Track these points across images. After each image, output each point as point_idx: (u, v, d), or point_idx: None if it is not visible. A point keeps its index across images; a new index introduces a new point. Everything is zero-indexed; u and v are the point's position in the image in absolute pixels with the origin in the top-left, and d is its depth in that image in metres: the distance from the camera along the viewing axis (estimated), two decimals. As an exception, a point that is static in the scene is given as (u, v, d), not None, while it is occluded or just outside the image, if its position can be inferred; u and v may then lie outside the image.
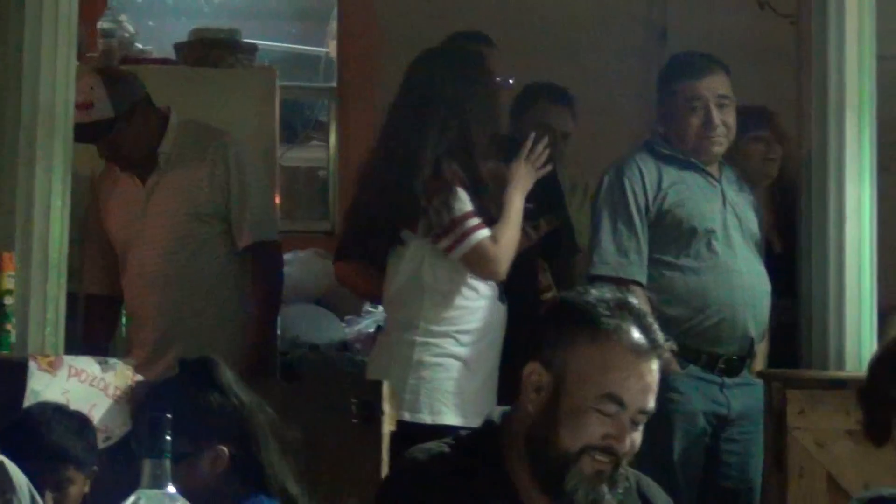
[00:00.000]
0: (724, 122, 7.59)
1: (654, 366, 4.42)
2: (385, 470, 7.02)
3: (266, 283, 8.68)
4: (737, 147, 8.15)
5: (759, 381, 7.48)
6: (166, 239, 8.52)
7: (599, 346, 4.39)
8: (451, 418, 6.95)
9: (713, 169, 7.66)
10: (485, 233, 7.14)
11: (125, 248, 8.66)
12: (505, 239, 7.27)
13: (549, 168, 7.41)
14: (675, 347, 4.75)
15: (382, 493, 4.91)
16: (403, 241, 7.25)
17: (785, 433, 7.18)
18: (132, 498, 3.95)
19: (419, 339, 7.12)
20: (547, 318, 4.77)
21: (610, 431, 4.32)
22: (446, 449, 4.58)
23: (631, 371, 4.38)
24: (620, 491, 4.31)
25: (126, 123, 8.18)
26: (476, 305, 7.23)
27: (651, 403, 4.41)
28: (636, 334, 4.40)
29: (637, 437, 4.39)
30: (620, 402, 4.32)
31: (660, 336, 4.46)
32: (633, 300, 4.57)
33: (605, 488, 4.28)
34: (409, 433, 6.71)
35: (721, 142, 7.62)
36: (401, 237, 7.23)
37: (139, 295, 8.63)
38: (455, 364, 7.09)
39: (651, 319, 4.50)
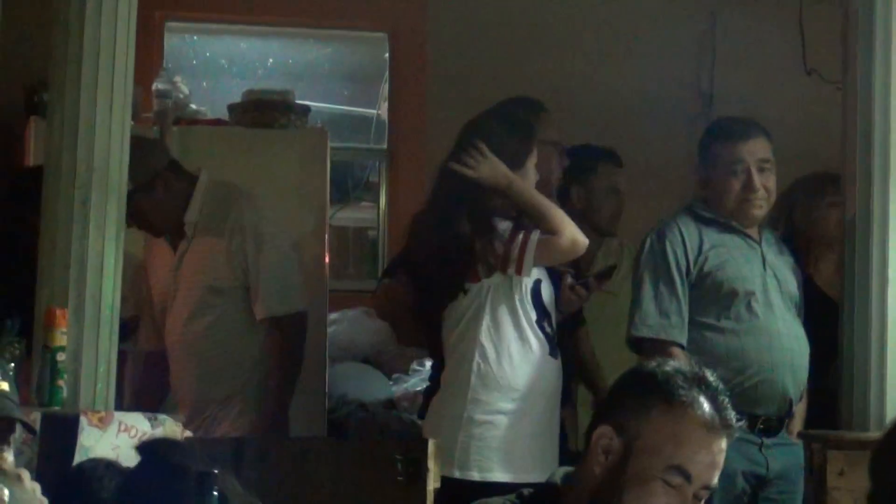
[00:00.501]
0: (765, 186, 7.56)
1: (724, 444, 4.46)
2: None
3: (281, 357, 8.65)
4: (810, 213, 8.21)
5: (798, 442, 7.51)
6: (188, 308, 8.65)
7: (673, 418, 4.43)
8: (499, 475, 6.92)
9: (753, 232, 7.65)
10: (537, 233, 7.20)
11: (162, 313, 8.76)
12: (557, 218, 7.31)
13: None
14: (745, 426, 4.81)
15: None
16: (466, 290, 7.23)
17: (825, 494, 7.18)
18: None
19: (470, 395, 7.12)
20: (623, 384, 4.78)
21: (672, 503, 4.40)
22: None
23: (701, 446, 4.42)
24: None
25: (146, 193, 8.20)
26: (527, 360, 7.20)
27: (715, 480, 4.44)
28: (710, 410, 4.42)
29: None
30: (687, 476, 4.36)
31: (732, 414, 4.48)
32: (710, 376, 4.56)
33: None
34: (457, 491, 6.77)
35: (761, 205, 7.61)
36: (464, 287, 7.22)
37: (175, 359, 8.68)
38: (504, 420, 7.06)
39: (725, 396, 4.50)
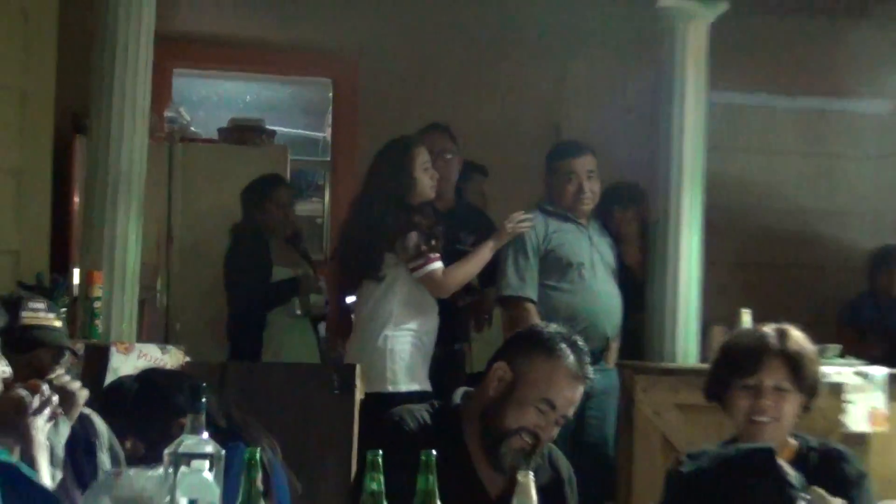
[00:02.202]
0: (592, 189, 7.63)
1: (581, 390, 4.61)
2: (356, 426, 7.04)
3: None
4: (611, 212, 8.22)
5: (613, 368, 7.67)
6: None
7: (550, 365, 4.56)
8: (407, 385, 6.96)
9: (584, 221, 7.71)
10: (439, 265, 7.11)
11: None
12: (456, 274, 7.26)
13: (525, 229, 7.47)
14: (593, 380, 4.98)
15: (375, 432, 5.06)
16: (384, 261, 7.14)
17: (633, 405, 7.32)
18: (177, 440, 4.14)
19: (392, 334, 7.07)
20: (520, 335, 4.98)
21: (539, 423, 4.50)
22: (425, 414, 4.72)
23: (566, 388, 4.55)
24: (533, 465, 4.33)
25: None
26: (426, 311, 7.22)
27: (571, 414, 4.61)
28: (575, 364, 4.55)
29: (554, 432, 4.58)
30: (553, 407, 4.51)
31: (589, 370, 4.63)
32: (580, 341, 4.70)
33: (523, 460, 4.39)
34: (382, 398, 6.80)
35: (589, 203, 7.68)
36: (383, 256, 7.13)
37: None
38: (413, 350, 7.05)
39: (587, 356, 4.65)
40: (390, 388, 6.99)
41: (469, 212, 7.99)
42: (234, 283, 8.74)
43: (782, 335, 4.79)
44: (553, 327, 4.88)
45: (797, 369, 4.69)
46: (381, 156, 7.55)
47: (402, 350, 7.11)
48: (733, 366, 4.82)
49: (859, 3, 8.20)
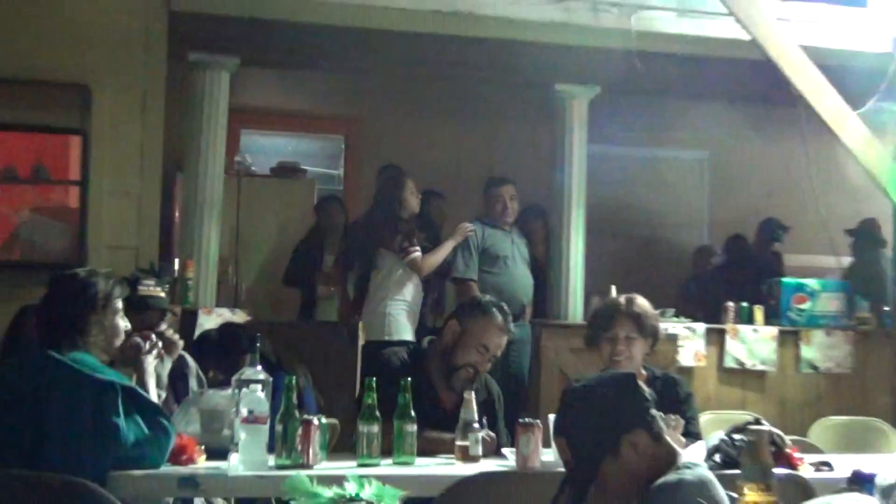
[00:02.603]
0: (512, 208, 7.59)
1: (505, 338, 4.69)
2: (359, 362, 7.06)
3: None
4: (526, 222, 8.05)
5: (528, 325, 7.51)
6: None
7: (485, 322, 4.61)
8: (399, 336, 6.81)
9: (507, 228, 7.61)
10: (418, 254, 6.97)
11: None
12: (429, 259, 7.09)
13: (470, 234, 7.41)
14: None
15: (372, 366, 5.08)
16: (380, 255, 7.06)
17: (539, 349, 7.30)
18: (241, 371, 4.12)
19: (390, 303, 6.97)
20: (465, 303, 5.05)
21: (478, 360, 4.57)
22: (404, 354, 4.77)
23: (495, 336, 4.61)
24: (474, 387, 4.38)
25: None
26: (413, 287, 7.07)
27: (499, 354, 4.69)
28: (502, 321, 4.63)
29: (488, 366, 4.64)
30: (487, 349, 4.57)
31: (511, 325, 4.74)
32: (505, 306, 4.76)
33: (467, 384, 4.45)
34: (381, 344, 6.61)
35: (511, 217, 7.61)
36: (380, 251, 7.06)
37: None
38: (404, 313, 6.95)
39: (509, 316, 4.73)
40: (386, 338, 6.84)
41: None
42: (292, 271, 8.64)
43: (629, 301, 4.79)
44: (487, 297, 4.99)
45: (640, 324, 4.69)
46: (382, 185, 7.47)
47: (396, 313, 6.97)
48: (598, 323, 4.83)
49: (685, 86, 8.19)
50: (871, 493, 2.06)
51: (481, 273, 7.51)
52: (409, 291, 7.12)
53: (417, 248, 7.04)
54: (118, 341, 4.03)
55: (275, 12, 7.11)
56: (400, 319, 7.01)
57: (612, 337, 4.67)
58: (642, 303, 4.81)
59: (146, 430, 3.73)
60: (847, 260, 8.00)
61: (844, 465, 4.03)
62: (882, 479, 2.07)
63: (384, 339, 6.85)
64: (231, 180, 8.08)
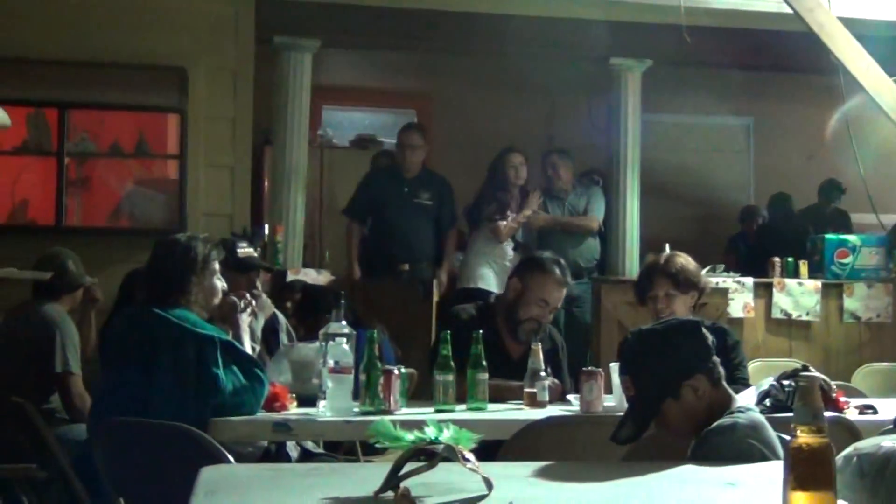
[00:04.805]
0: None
1: (564, 291, 4.66)
2: (434, 316, 7.03)
3: None
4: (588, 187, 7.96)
5: (589, 281, 7.43)
6: None
7: (543, 278, 4.56)
8: (484, 286, 6.94)
9: (564, 195, 7.64)
10: (500, 223, 7.10)
11: None
12: (508, 228, 7.17)
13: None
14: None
15: (444, 320, 5.07)
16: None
17: (599, 303, 7.21)
18: (327, 325, 4.12)
19: (474, 258, 7.22)
20: (525, 260, 5.06)
21: (540, 314, 4.53)
22: (472, 310, 4.73)
23: (554, 291, 4.57)
24: (539, 338, 4.34)
25: None
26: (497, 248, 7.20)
27: (559, 306, 4.75)
28: (560, 276, 4.57)
29: (550, 318, 4.65)
30: (546, 303, 4.53)
31: (569, 279, 4.73)
32: (562, 261, 4.72)
33: (532, 335, 4.40)
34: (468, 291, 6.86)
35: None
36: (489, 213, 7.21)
37: None
38: (486, 267, 7.07)
39: (567, 271, 4.69)
40: (472, 285, 7.03)
41: (429, 176, 7.49)
42: None
43: (666, 260, 4.67)
44: (546, 254, 4.89)
45: (677, 281, 4.55)
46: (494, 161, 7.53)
47: (480, 266, 7.17)
48: (641, 284, 4.73)
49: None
50: (916, 435, 2.00)
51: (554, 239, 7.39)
52: (494, 251, 7.23)
53: (504, 220, 7.16)
54: (216, 300, 4.05)
55: (349, -4, 7.15)
56: (481, 271, 7.14)
57: (654, 296, 4.57)
58: (680, 260, 4.68)
59: (243, 381, 3.76)
60: (888, 217, 7.84)
61: (887, 408, 4.00)
62: (927, 422, 2.01)
63: (470, 287, 6.99)
64: (314, 152, 8.09)
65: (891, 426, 2.28)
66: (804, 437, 1.92)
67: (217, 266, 4.05)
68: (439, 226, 7.34)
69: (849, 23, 6.05)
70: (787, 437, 2.00)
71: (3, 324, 5.21)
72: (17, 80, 6.44)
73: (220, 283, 4.07)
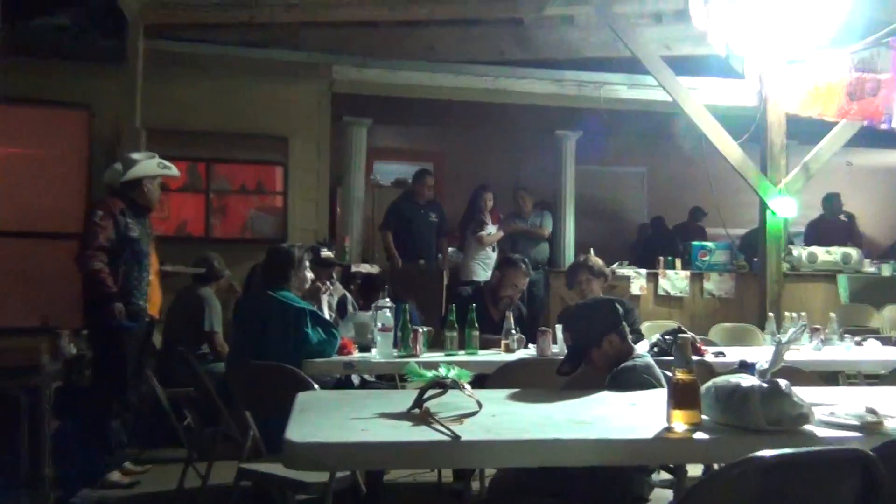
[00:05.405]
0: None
1: (527, 279, 4.60)
2: (444, 293, 6.91)
3: None
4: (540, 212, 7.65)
5: (542, 271, 7.15)
6: None
7: (515, 270, 4.51)
8: (476, 277, 6.73)
9: (527, 217, 7.46)
10: (481, 233, 6.88)
11: None
12: (487, 239, 6.94)
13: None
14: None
15: (451, 298, 4.95)
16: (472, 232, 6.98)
17: (549, 286, 6.99)
18: (378, 301, 4.06)
19: (469, 260, 6.94)
20: (503, 260, 4.86)
21: (513, 293, 4.50)
22: (469, 290, 4.69)
23: (522, 278, 4.52)
24: (511, 309, 4.29)
25: None
26: (487, 254, 6.98)
27: (524, 288, 4.62)
28: (524, 269, 4.51)
29: (518, 295, 4.53)
30: (516, 286, 4.48)
31: (531, 272, 4.71)
32: (527, 260, 4.66)
33: (508, 306, 4.37)
34: (464, 282, 6.60)
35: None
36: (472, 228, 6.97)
37: None
38: (477, 265, 6.87)
39: (530, 266, 4.65)
40: (467, 278, 6.81)
41: (434, 202, 7.16)
42: None
43: (584, 259, 4.64)
44: (516, 255, 4.82)
45: (592, 272, 4.50)
46: (473, 196, 7.21)
47: (472, 266, 6.96)
48: (570, 275, 4.63)
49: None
50: (752, 374, 2.00)
51: (520, 245, 7.24)
52: (484, 254, 7.01)
53: (484, 231, 6.98)
54: (307, 285, 4.04)
55: (392, 92, 7.08)
56: (474, 268, 6.96)
57: (579, 281, 4.51)
58: (592, 258, 4.63)
59: (323, 336, 3.75)
60: (734, 231, 7.80)
61: (732, 354, 3.97)
62: (760, 365, 2.00)
63: (466, 279, 6.80)
64: (368, 190, 8.01)
65: (736, 367, 2.26)
66: (680, 375, 1.92)
67: (307, 263, 4.05)
68: (439, 234, 7.16)
69: (710, 107, 6.02)
70: (669, 374, 1.99)
71: (174, 300, 5.20)
72: (179, 144, 6.39)
73: (310, 275, 4.07)
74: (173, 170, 4.51)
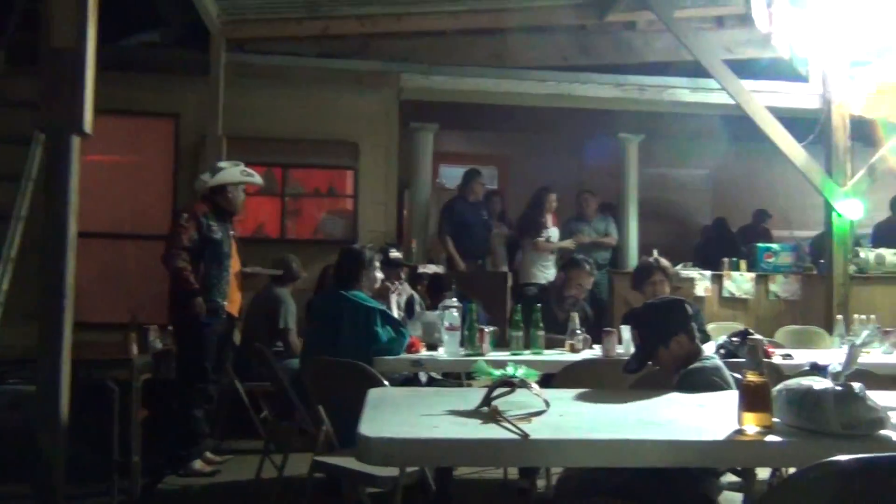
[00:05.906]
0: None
1: (592, 279, 4.58)
2: (509, 295, 6.59)
3: None
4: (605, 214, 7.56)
5: (606, 272, 7.06)
6: None
7: (579, 270, 4.50)
8: (538, 280, 6.56)
9: (590, 220, 7.29)
10: (539, 240, 6.77)
11: None
12: (545, 246, 6.80)
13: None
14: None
15: (517, 297, 4.95)
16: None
17: (613, 287, 6.87)
18: (445, 300, 4.06)
19: (528, 265, 6.83)
20: (567, 261, 4.82)
21: (577, 293, 4.49)
22: (535, 290, 4.77)
23: (586, 279, 4.51)
24: (577, 309, 4.27)
25: None
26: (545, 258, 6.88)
27: (589, 287, 4.57)
28: (588, 270, 4.48)
29: (583, 295, 4.53)
30: (581, 287, 4.46)
31: (595, 272, 4.61)
32: (591, 260, 4.63)
33: (573, 306, 4.36)
34: (522, 285, 6.48)
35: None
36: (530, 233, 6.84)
37: None
38: (537, 271, 6.77)
39: (594, 267, 4.59)
40: (526, 281, 6.71)
41: (482, 201, 7.08)
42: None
43: (657, 260, 4.55)
44: (580, 256, 4.78)
45: (665, 273, 4.43)
46: (532, 200, 7.07)
47: (531, 269, 6.87)
48: (640, 275, 4.53)
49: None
50: (824, 377, 1.91)
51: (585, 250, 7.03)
52: (544, 259, 6.90)
53: (541, 237, 6.85)
54: (376, 285, 4.06)
55: (458, 97, 7.06)
56: (533, 272, 6.86)
57: (652, 281, 4.42)
58: (664, 261, 4.55)
59: (393, 334, 3.76)
60: (799, 233, 7.55)
61: (799, 356, 3.85)
62: (832, 367, 1.92)
63: (525, 282, 6.72)
64: (434, 193, 8.00)
65: (807, 368, 2.17)
66: (751, 377, 1.87)
67: (377, 264, 4.07)
68: (488, 229, 7.05)
69: (773, 109, 5.87)
70: (739, 376, 1.93)
71: (253, 299, 5.28)
72: (257, 150, 6.50)
73: (379, 275, 4.09)
74: (256, 178, 4.61)
